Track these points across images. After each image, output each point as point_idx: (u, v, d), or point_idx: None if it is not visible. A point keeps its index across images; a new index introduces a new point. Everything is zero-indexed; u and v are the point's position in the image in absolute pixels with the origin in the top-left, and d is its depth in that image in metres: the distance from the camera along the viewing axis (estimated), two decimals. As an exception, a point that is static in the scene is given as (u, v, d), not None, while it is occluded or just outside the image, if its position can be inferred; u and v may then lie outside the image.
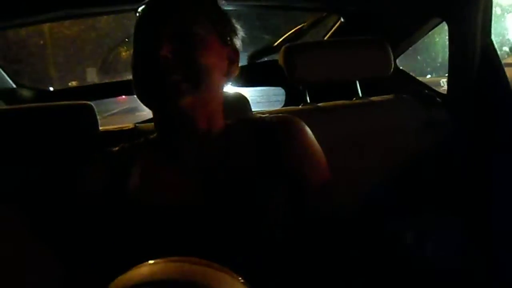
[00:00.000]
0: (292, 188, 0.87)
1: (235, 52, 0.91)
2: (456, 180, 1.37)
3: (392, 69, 1.47)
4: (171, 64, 0.79)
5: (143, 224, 0.82)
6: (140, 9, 0.86)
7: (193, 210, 0.81)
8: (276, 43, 1.90)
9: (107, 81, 2.24)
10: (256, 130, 0.91)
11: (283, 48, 1.43)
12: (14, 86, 1.71)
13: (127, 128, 1.18)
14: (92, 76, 7.09)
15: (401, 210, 1.28)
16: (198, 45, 0.82)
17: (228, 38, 0.89)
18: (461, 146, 1.39)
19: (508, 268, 1.26)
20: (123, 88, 1.80)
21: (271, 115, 0.95)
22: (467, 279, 1.22)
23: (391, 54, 1.46)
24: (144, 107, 0.86)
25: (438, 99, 1.50)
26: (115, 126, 1.20)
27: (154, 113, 0.89)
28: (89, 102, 1.14)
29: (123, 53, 3.88)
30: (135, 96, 0.86)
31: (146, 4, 0.85)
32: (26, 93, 1.73)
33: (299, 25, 1.86)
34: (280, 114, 0.96)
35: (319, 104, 1.44)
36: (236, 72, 0.91)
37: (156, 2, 0.85)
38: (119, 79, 2.10)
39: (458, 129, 1.41)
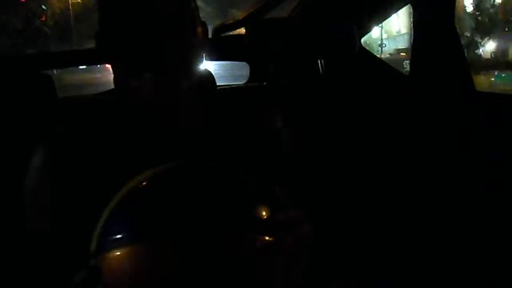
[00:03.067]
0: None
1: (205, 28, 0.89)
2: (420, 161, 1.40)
3: (356, 49, 1.47)
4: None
5: None
6: None
7: None
8: (242, 17, 1.87)
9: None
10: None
11: (249, 23, 1.42)
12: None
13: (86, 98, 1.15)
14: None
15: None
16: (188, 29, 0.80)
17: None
18: (420, 128, 1.42)
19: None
20: (81, 58, 1.73)
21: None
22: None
23: (357, 34, 1.46)
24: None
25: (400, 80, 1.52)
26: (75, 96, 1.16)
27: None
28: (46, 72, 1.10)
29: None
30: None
31: None
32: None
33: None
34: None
35: (283, 82, 1.44)
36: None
37: None
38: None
39: (419, 111, 1.43)
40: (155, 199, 0.64)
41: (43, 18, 11.25)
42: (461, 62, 1.43)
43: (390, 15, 1.73)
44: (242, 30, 1.56)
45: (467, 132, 1.35)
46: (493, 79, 10.49)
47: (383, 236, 1.31)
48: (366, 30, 1.77)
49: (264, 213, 0.65)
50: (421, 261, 1.28)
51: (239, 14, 1.93)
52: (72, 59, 1.64)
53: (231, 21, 1.94)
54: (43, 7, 11.08)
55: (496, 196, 1.26)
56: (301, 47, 1.45)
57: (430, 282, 1.26)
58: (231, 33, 1.93)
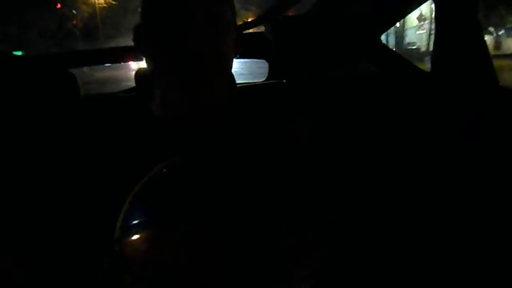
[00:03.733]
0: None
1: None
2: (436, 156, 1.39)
3: (375, 45, 1.47)
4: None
5: None
6: None
7: None
8: (261, 15, 1.87)
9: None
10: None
11: (269, 21, 1.42)
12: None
13: (108, 96, 1.16)
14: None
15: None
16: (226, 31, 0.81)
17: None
18: (442, 124, 1.41)
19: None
20: (105, 56, 1.76)
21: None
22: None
23: (376, 31, 1.46)
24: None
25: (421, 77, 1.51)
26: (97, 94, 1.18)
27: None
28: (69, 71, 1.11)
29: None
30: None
31: None
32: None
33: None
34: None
35: (302, 79, 1.44)
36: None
37: None
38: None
39: (441, 107, 1.42)
40: (174, 185, 0.66)
41: (74, 22, 13.14)
42: (484, 57, 1.41)
43: (411, 11, 1.71)
44: (262, 28, 1.56)
45: (489, 128, 1.33)
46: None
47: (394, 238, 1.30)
48: (387, 26, 1.75)
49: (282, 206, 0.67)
50: (428, 264, 1.26)
51: (258, 12, 1.93)
52: (98, 57, 1.67)
53: (250, 19, 1.94)
54: (74, 11, 12.95)
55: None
56: (321, 45, 1.45)
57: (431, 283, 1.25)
58: (250, 30, 1.94)
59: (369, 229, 1.24)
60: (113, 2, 11.49)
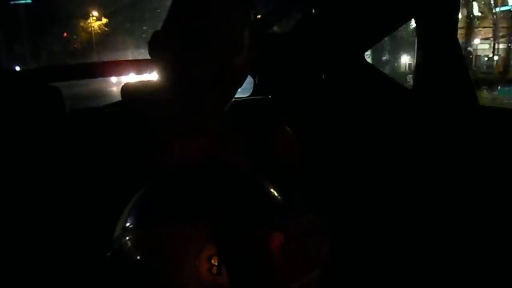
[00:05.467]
0: None
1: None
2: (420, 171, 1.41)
3: (359, 63, 1.49)
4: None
5: None
6: None
7: None
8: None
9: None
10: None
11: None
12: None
13: (93, 110, 1.16)
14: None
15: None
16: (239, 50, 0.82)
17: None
18: (423, 141, 1.43)
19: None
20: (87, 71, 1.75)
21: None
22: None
23: (358, 49, 1.48)
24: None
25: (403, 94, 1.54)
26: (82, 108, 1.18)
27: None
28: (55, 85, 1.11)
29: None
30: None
31: None
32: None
33: (270, 13, 1.85)
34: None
35: (286, 95, 1.45)
36: None
37: None
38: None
39: (423, 124, 1.44)
40: (165, 195, 0.73)
41: (75, 45, 17.04)
42: (464, 77, 1.44)
43: (394, 30, 1.75)
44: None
45: (469, 146, 1.36)
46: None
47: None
48: (369, 45, 1.78)
49: (280, 212, 0.70)
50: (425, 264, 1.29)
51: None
52: (84, 71, 1.66)
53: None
54: (75, 37, 17.00)
55: (496, 208, 1.26)
56: (304, 62, 1.47)
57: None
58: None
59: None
60: (106, 29, 15.49)
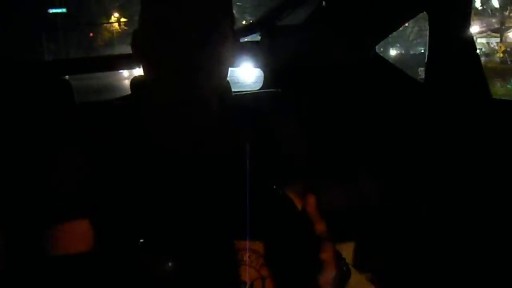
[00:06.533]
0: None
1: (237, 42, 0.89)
2: (431, 166, 1.39)
3: (371, 56, 1.48)
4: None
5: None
6: None
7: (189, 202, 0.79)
8: (256, 23, 1.88)
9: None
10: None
11: (264, 30, 1.42)
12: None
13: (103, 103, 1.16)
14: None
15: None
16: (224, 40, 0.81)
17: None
18: (437, 135, 1.42)
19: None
20: (99, 64, 1.76)
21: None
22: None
23: (371, 41, 1.47)
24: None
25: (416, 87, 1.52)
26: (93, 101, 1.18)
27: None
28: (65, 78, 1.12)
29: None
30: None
31: None
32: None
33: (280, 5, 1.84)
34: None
35: (299, 90, 1.44)
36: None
37: None
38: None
39: (435, 118, 1.43)
40: None
41: (99, 42, 19.59)
42: (477, 69, 1.43)
43: (405, 23, 1.73)
44: (257, 37, 1.57)
45: (482, 139, 1.34)
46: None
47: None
48: (381, 37, 1.77)
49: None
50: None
51: (253, 20, 1.94)
52: (95, 65, 1.67)
53: (245, 27, 1.95)
54: (99, 35, 19.67)
55: (509, 204, 1.25)
56: (315, 54, 1.46)
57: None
58: (246, 39, 1.95)
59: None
60: (125, 28, 17.99)
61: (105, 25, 19.66)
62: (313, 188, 0.81)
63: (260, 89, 1.75)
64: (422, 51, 12.85)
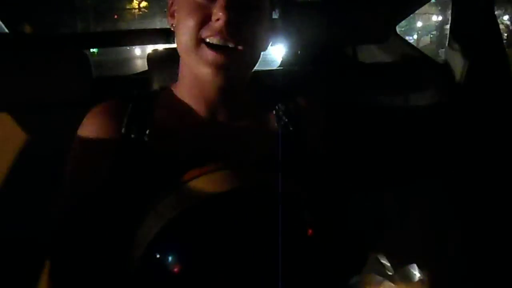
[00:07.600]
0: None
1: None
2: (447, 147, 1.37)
3: (390, 36, 1.45)
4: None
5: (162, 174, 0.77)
6: None
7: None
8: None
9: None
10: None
11: (281, 7, 1.40)
12: (6, 31, 1.65)
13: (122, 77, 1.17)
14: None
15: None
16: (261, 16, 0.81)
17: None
18: (456, 117, 1.40)
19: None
20: (116, 38, 1.76)
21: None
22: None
23: (390, 19, 1.44)
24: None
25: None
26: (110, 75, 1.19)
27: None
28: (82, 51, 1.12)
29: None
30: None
31: None
32: (20, 38, 1.68)
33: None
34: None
35: (315, 67, 1.43)
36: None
37: None
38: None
39: (455, 100, 1.40)
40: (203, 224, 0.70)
41: (122, 23, 20.85)
42: (500, 52, 1.40)
43: (427, 1, 1.69)
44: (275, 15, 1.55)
45: (502, 123, 1.32)
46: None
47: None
48: (401, 17, 1.74)
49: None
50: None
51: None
52: (113, 39, 1.67)
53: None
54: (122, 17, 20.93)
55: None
56: (333, 32, 1.43)
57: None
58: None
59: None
60: (145, 11, 19.72)
61: (127, 7, 21.27)
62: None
63: (278, 67, 1.74)
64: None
